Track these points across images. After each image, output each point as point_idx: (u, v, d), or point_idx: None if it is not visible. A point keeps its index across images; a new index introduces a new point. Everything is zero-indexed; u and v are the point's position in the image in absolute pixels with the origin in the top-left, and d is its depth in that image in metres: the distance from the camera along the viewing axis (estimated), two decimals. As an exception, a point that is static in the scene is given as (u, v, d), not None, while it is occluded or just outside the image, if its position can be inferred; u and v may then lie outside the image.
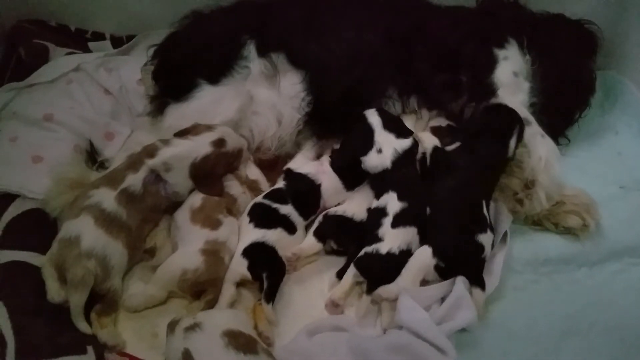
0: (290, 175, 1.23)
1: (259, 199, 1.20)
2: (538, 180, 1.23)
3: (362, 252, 1.11)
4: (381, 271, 1.08)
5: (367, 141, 1.19)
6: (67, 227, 1.06)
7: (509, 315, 1.10)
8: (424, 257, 1.08)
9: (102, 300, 1.05)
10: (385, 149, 1.18)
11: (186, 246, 1.11)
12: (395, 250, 1.08)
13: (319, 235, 1.16)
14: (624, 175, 1.35)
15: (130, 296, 1.07)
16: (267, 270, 1.08)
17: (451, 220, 1.12)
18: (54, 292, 1.02)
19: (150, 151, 1.14)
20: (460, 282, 1.06)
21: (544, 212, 1.22)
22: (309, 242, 1.16)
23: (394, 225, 1.11)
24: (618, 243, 1.21)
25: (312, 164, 1.24)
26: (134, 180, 1.11)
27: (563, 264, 1.18)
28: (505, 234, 1.19)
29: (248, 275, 1.08)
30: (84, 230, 1.04)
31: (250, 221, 1.15)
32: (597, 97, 1.44)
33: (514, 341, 1.06)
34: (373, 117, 1.21)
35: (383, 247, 1.09)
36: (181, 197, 1.17)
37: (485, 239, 1.10)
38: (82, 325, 1.00)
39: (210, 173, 1.17)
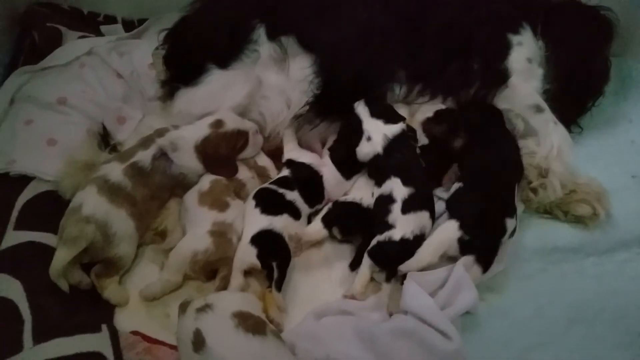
0: (293, 165, 1.23)
1: (265, 185, 1.20)
2: (552, 169, 1.22)
3: (374, 242, 1.09)
4: (397, 258, 1.07)
5: (357, 131, 1.20)
6: (75, 198, 1.10)
7: (515, 303, 1.10)
8: (448, 230, 1.08)
9: (103, 263, 1.07)
10: (374, 135, 1.18)
11: (194, 228, 1.12)
12: (409, 235, 1.07)
13: (327, 221, 1.16)
14: (637, 165, 1.34)
15: (148, 285, 1.09)
16: (277, 259, 1.08)
17: (483, 197, 1.12)
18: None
19: (161, 132, 1.19)
20: (460, 264, 1.06)
21: (556, 201, 1.22)
22: (315, 227, 1.16)
23: (405, 211, 1.10)
24: (627, 233, 1.20)
25: (311, 155, 1.25)
26: (143, 156, 1.15)
27: (571, 253, 1.18)
28: (514, 222, 1.19)
29: (257, 264, 1.08)
30: (87, 198, 1.08)
31: (257, 206, 1.15)
32: (611, 85, 1.42)
33: (519, 329, 1.07)
34: (360, 107, 1.22)
35: (396, 234, 1.08)
36: (189, 179, 1.19)
37: (510, 223, 1.10)
38: (62, 283, 1.01)
39: (217, 154, 1.19)
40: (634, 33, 1.50)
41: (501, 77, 1.29)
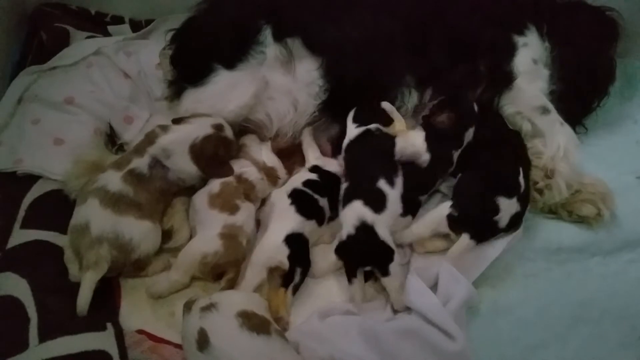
0: (320, 172, 1.22)
1: (299, 186, 1.19)
2: (558, 170, 1.22)
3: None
4: (354, 254, 1.07)
5: None
6: (78, 213, 1.09)
7: (520, 302, 1.10)
8: (441, 208, 1.12)
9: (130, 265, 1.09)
10: (345, 140, 1.20)
11: (205, 230, 1.12)
12: (351, 230, 1.06)
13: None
14: (641, 165, 1.34)
15: (155, 283, 1.10)
16: (303, 265, 1.08)
17: (479, 181, 1.15)
18: (75, 272, 1.05)
19: (150, 138, 1.16)
20: (444, 262, 1.08)
21: (561, 201, 1.22)
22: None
23: (343, 206, 1.10)
24: (632, 233, 1.20)
25: (335, 163, 1.25)
26: (140, 163, 1.13)
27: (576, 252, 1.18)
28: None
29: (286, 264, 1.06)
30: (92, 216, 1.06)
31: (292, 204, 1.13)
32: (617, 85, 1.42)
33: (524, 327, 1.07)
34: (349, 115, 1.23)
35: (343, 232, 1.07)
36: (188, 184, 1.18)
37: (505, 203, 1.10)
38: (83, 302, 1.00)
39: (214, 156, 1.18)
40: (639, 33, 1.49)
41: (507, 79, 1.29)
